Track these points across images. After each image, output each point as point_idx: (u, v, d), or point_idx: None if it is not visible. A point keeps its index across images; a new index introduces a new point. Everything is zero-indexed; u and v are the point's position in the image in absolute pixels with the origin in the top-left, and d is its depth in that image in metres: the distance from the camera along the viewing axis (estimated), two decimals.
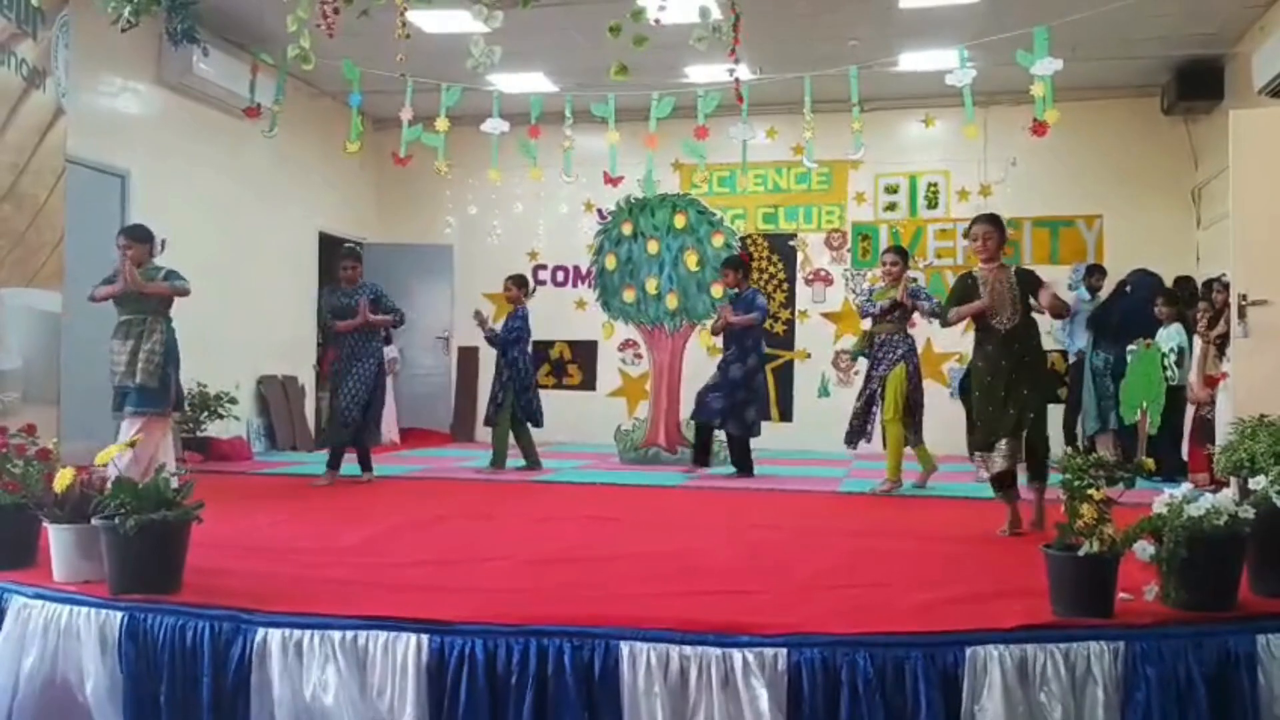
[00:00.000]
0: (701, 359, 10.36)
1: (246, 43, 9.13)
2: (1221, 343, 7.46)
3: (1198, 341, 7.93)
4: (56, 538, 3.64)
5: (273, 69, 7.95)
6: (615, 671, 2.97)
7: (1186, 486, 3.29)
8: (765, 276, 11.63)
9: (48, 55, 7.28)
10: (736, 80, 6.42)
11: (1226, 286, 6.94)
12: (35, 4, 6.46)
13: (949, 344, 11.30)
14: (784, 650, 2.94)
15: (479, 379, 11.72)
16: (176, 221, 9.22)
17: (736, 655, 2.93)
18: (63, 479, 3.70)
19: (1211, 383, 7.59)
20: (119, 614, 3.30)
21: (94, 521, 3.49)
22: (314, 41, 5.46)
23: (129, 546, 3.37)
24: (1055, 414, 10.75)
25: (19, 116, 7.03)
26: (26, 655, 3.37)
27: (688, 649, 2.97)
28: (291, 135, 9.61)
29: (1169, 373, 8.15)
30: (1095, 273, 10.19)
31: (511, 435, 8.44)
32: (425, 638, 3.05)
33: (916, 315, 7.41)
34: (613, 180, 8.25)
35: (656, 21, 5.32)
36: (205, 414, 9.19)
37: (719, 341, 8.52)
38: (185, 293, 6.43)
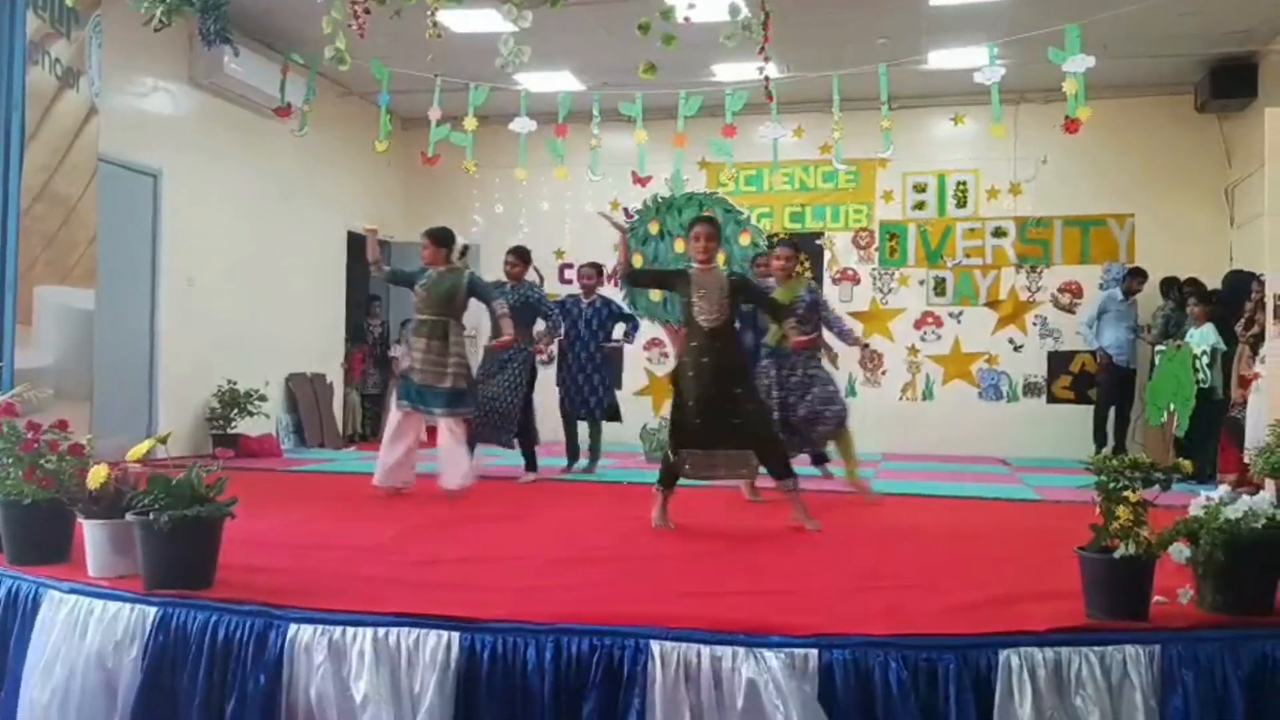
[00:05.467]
0: None
1: (277, 43, 9.19)
2: (1255, 343, 7.37)
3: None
4: (91, 533, 3.68)
5: (303, 69, 8.00)
6: (645, 671, 2.96)
7: (1224, 489, 3.25)
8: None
9: (81, 55, 7.36)
10: (766, 78, 6.39)
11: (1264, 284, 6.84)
12: (69, 4, 6.53)
13: (978, 344, 11.26)
14: (814, 651, 2.92)
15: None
16: (207, 220, 9.33)
17: (767, 655, 2.92)
18: (96, 476, 3.73)
19: (1244, 383, 7.49)
20: (153, 609, 3.33)
21: (128, 517, 3.52)
22: (345, 42, 5.49)
23: (163, 542, 3.39)
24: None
25: (53, 116, 7.11)
26: (61, 649, 3.40)
27: (718, 649, 2.95)
28: (321, 135, 9.66)
29: (1200, 375, 8.05)
30: (1136, 275, 10.13)
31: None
32: (456, 635, 3.06)
33: None
34: (641, 180, 8.26)
35: (686, 20, 5.31)
36: (235, 411, 9.28)
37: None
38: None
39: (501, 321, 6.86)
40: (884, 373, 11.47)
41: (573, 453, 8.26)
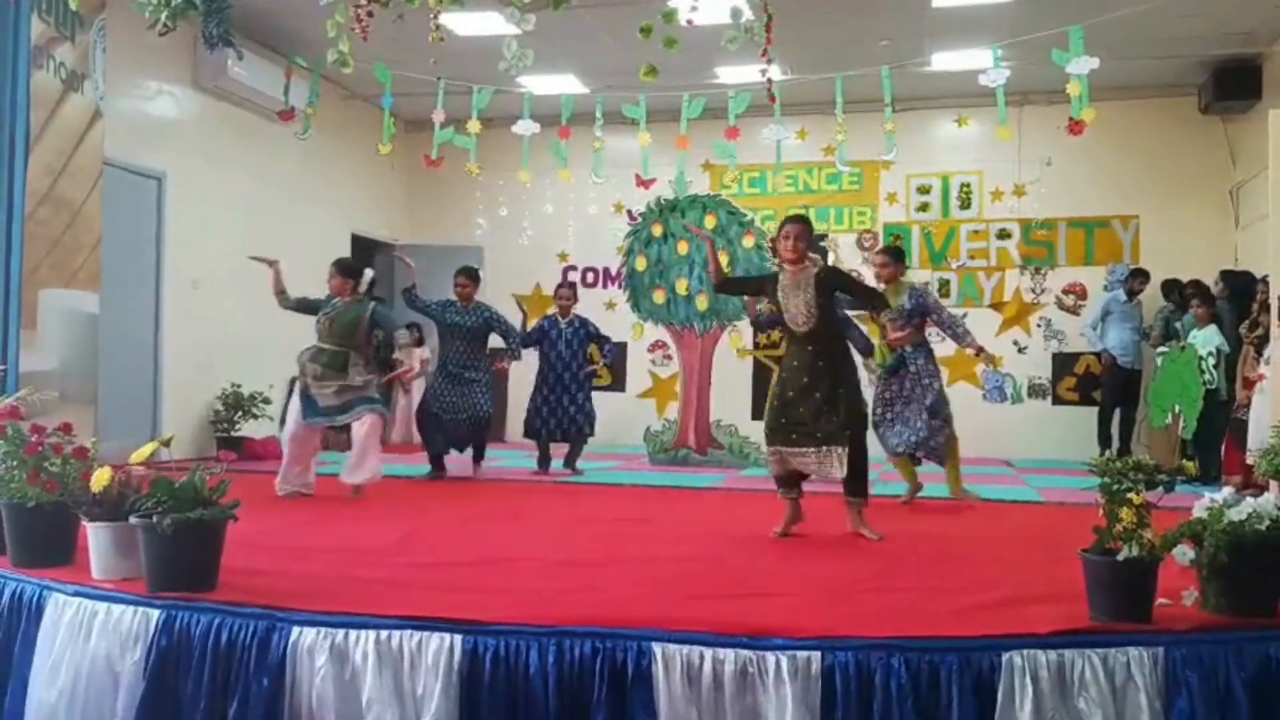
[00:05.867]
0: (732, 361, 10.34)
1: (280, 46, 9.21)
2: (1259, 344, 7.36)
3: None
4: (94, 536, 3.68)
5: (306, 72, 8.02)
6: (648, 673, 2.95)
7: (1227, 490, 3.24)
8: None
9: (86, 58, 7.38)
10: (769, 81, 6.39)
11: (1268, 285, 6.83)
12: (74, 8, 6.54)
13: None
14: (817, 653, 2.92)
15: (508, 380, 11.76)
16: (211, 223, 9.34)
17: (770, 658, 2.91)
18: (100, 479, 3.73)
19: (1249, 384, 7.48)
20: (156, 612, 3.33)
21: (131, 520, 3.52)
22: (349, 45, 5.51)
23: (166, 545, 3.40)
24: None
25: (57, 119, 7.13)
26: (65, 652, 3.40)
27: (721, 651, 2.95)
28: (324, 138, 9.68)
29: (1206, 376, 8.03)
30: (1138, 276, 10.12)
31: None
32: (459, 638, 3.06)
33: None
34: (645, 183, 8.28)
35: (688, 22, 5.32)
36: (239, 414, 9.28)
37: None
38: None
39: (407, 351, 7.13)
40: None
41: (546, 462, 8.39)
